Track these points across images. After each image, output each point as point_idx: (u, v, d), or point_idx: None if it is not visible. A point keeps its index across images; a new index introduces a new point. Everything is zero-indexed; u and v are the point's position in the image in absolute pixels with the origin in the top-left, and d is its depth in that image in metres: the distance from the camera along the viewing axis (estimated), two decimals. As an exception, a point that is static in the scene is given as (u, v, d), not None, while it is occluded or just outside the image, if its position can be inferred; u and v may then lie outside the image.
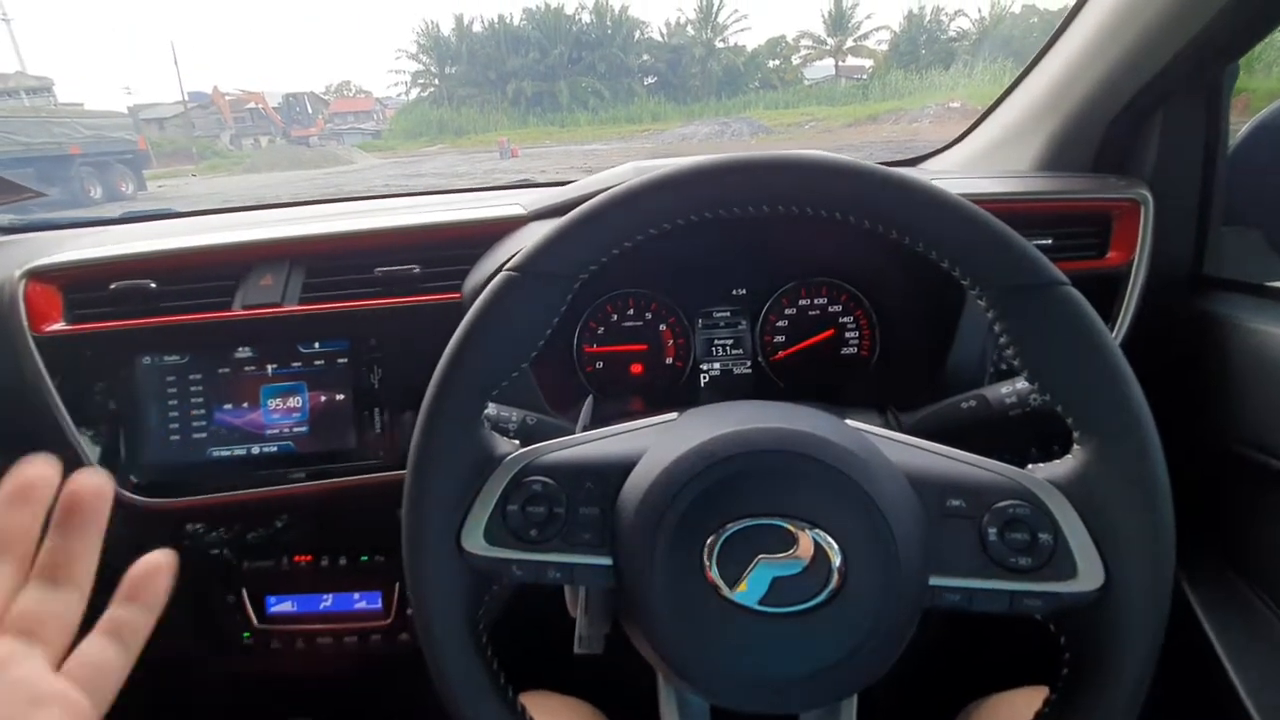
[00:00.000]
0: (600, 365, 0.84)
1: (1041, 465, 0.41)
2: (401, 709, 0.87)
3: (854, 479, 0.38)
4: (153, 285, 0.70)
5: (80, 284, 0.72)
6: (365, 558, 0.78)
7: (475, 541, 0.41)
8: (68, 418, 0.69)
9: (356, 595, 0.79)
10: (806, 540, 0.37)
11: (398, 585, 0.79)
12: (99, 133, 9.85)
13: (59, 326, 0.71)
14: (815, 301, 0.83)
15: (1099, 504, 0.38)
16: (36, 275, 0.71)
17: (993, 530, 0.39)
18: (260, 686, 0.85)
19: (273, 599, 0.79)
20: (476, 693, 0.42)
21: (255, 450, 0.71)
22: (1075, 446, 0.40)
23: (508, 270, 0.42)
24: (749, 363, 0.84)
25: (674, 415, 0.46)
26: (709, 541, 0.38)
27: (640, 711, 0.55)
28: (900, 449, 0.42)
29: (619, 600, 0.43)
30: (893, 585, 0.38)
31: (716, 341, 0.84)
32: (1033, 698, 0.58)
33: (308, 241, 0.73)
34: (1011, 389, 0.58)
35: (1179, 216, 0.78)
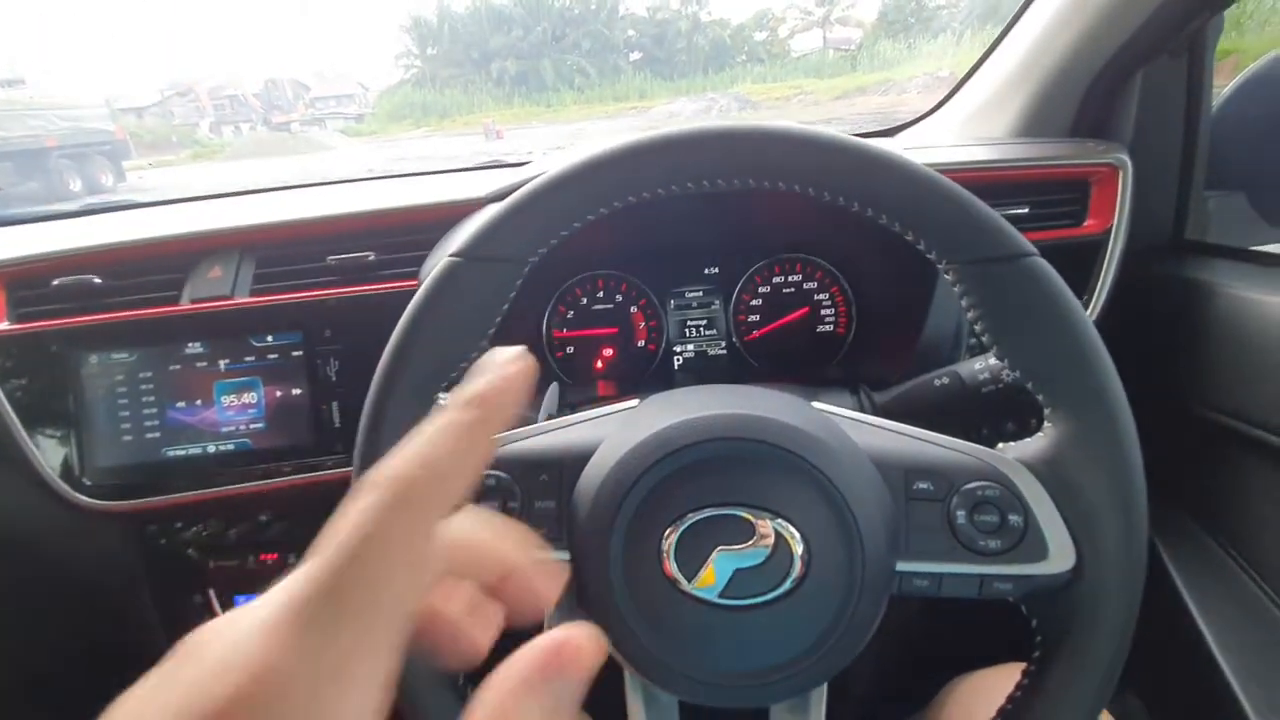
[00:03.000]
0: (570, 350, 0.82)
1: (1012, 444, 0.40)
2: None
3: (813, 464, 0.37)
4: (96, 280, 0.68)
5: (23, 281, 0.69)
6: None
7: None
8: (16, 420, 0.67)
9: (327, 592, 0.77)
10: (767, 529, 0.36)
11: None
12: (76, 124, 9.63)
13: (2, 326, 0.68)
14: (789, 279, 0.81)
15: (1070, 483, 0.37)
16: None
17: (961, 513, 0.38)
18: None
19: (241, 599, 0.78)
20: (435, 698, 0.40)
21: (211, 449, 0.68)
22: (1046, 424, 0.38)
23: (451, 256, 0.40)
24: (723, 343, 0.82)
25: (635, 402, 0.44)
26: (666, 533, 0.36)
27: (614, 701, 0.54)
28: (865, 431, 0.41)
29: (577, 596, 0.41)
30: (858, 572, 0.36)
31: (689, 322, 0.82)
32: (1014, 674, 0.57)
33: (257, 231, 0.70)
34: (984, 365, 0.57)
35: (1160, 180, 0.76)
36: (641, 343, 0.82)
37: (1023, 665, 0.40)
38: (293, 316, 0.68)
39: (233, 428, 0.68)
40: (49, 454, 0.68)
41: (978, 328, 0.39)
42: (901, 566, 0.38)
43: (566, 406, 0.68)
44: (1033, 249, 0.37)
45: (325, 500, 0.68)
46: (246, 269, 0.69)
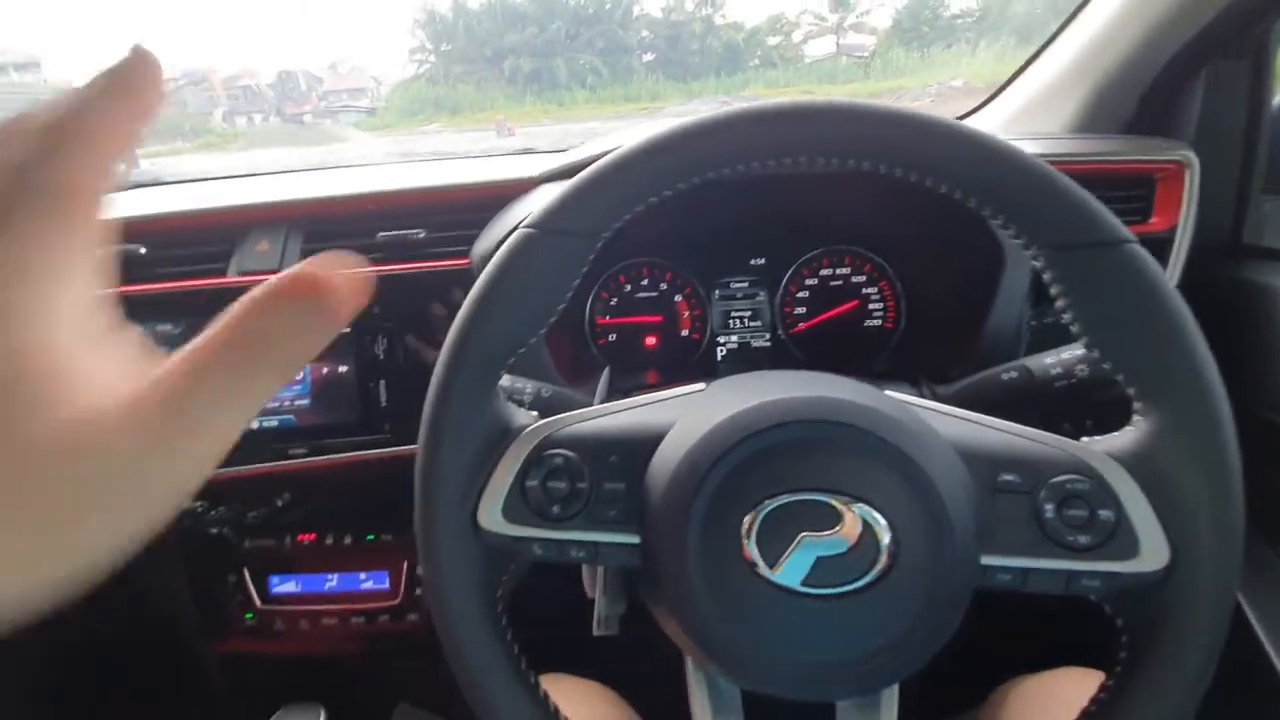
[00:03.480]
0: (613, 338, 0.81)
1: (1099, 438, 0.38)
2: (410, 690, 0.85)
3: (904, 451, 0.36)
4: (143, 251, 0.67)
5: None
6: (371, 536, 0.76)
7: (493, 519, 0.39)
8: None
9: (363, 575, 0.76)
10: (852, 517, 0.35)
11: (405, 564, 0.77)
12: (90, 110, 9.66)
13: None
14: (837, 271, 0.80)
15: (1165, 478, 0.36)
16: None
17: (1049, 506, 0.36)
18: (264, 668, 0.83)
19: (276, 579, 0.77)
20: (497, 678, 0.39)
21: (254, 424, 0.67)
22: (1137, 418, 0.37)
23: (525, 227, 0.39)
24: (768, 335, 0.81)
25: (702, 385, 0.43)
26: (746, 519, 0.35)
27: (661, 693, 0.53)
28: (947, 420, 0.40)
29: (645, 581, 0.40)
30: (944, 565, 0.35)
31: (734, 313, 0.81)
32: (1074, 679, 0.56)
33: (306, 205, 0.70)
34: (1056, 359, 0.55)
35: (1218, 182, 0.74)
36: (685, 332, 0.81)
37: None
38: None
39: (277, 404, 0.67)
40: None
41: (1067, 316, 0.37)
42: (986, 560, 0.37)
43: (617, 392, 0.67)
44: (1132, 236, 0.36)
45: (369, 480, 0.67)
46: (294, 243, 0.68)
